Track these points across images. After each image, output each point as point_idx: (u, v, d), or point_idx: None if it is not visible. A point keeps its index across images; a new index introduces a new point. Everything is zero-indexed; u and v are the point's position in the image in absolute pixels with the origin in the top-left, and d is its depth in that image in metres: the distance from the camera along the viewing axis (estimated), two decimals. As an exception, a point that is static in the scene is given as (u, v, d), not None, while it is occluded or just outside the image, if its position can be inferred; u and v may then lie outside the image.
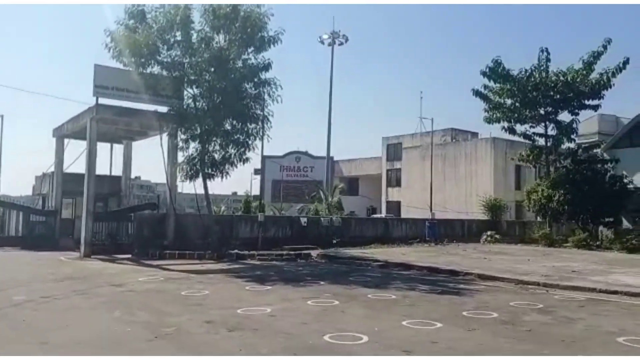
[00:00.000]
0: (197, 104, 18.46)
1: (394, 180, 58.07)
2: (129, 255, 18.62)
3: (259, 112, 18.64)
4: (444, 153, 51.58)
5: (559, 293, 10.93)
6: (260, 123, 18.63)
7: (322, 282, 12.19)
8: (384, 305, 9.33)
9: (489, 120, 26.41)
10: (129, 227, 20.66)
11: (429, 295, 10.45)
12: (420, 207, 46.51)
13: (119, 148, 25.85)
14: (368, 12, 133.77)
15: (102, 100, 18.63)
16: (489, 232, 27.20)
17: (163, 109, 19.44)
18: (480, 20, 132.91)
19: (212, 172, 18.51)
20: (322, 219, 24.88)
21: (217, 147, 18.97)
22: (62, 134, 23.38)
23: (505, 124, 25.63)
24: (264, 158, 42.58)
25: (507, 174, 47.83)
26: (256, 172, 62.31)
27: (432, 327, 7.43)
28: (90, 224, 18.50)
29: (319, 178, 61.47)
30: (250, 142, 18.86)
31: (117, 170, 25.95)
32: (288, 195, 59.52)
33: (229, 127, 18.72)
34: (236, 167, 18.83)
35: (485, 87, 25.83)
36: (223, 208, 31.72)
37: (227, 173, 18.66)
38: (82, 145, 23.52)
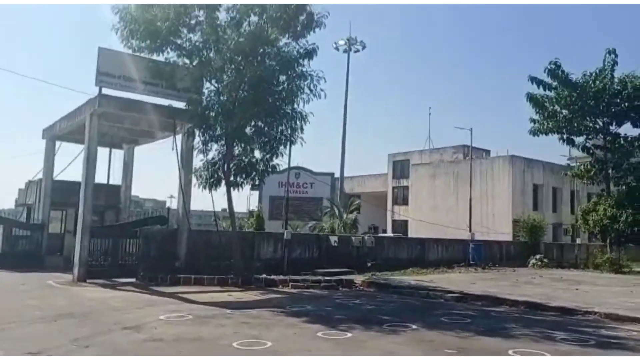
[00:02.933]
0: (222, 98, 15.21)
1: (401, 198, 55.28)
2: (133, 280, 15.21)
3: (289, 110, 15.39)
4: (456, 171, 48.96)
5: None
6: (291, 124, 15.36)
7: (412, 326, 8.90)
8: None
9: (536, 132, 23.39)
10: (128, 244, 17.16)
11: (593, 353, 7.23)
12: (430, 226, 43.58)
13: (117, 154, 22.48)
14: (377, 18, 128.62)
15: (106, 91, 15.30)
16: (537, 256, 24.13)
17: (178, 104, 16.23)
18: (495, 29, 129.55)
19: (240, 180, 15.21)
20: (353, 238, 21.61)
21: (240, 151, 15.79)
22: (53, 135, 19.93)
23: (563, 135, 22.61)
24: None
25: (526, 194, 45.21)
26: (253, 187, 58.96)
27: None
28: (86, 240, 15.02)
29: (319, 195, 58.22)
30: (279, 146, 15.66)
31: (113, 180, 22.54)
32: (287, 213, 56.21)
33: (253, 129, 15.55)
34: (268, 174, 15.58)
35: (531, 96, 22.79)
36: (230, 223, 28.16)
37: (262, 180, 15.43)
38: (76, 149, 20.14)
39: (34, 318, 8.93)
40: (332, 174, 58.97)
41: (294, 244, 19.43)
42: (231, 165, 15.40)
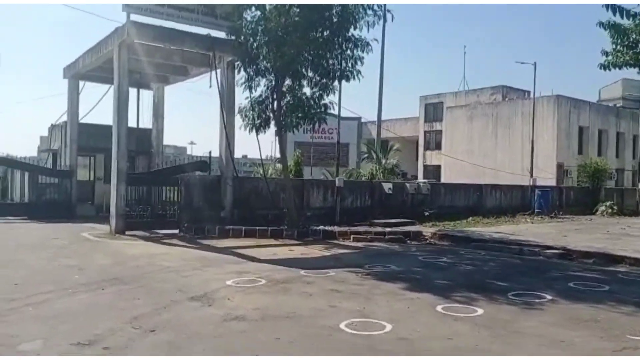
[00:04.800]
0: (270, 24, 12.90)
1: (433, 143, 52.85)
2: (176, 231, 13.66)
3: (350, 36, 13.06)
4: (495, 112, 46.16)
5: None
6: (352, 54, 13.08)
7: (545, 296, 7.04)
8: None
9: (609, 66, 20.50)
10: (167, 193, 15.49)
11: None
12: (465, 172, 41.38)
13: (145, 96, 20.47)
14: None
15: (135, 18, 13.10)
16: (607, 203, 22.00)
17: (217, 34, 14.06)
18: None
19: (295, 120, 13.21)
20: (407, 185, 19.66)
21: (289, 87, 13.72)
22: (76, 73, 17.93)
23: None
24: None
25: (571, 137, 42.42)
26: (277, 133, 56.71)
27: None
28: (122, 189, 13.32)
29: (345, 140, 55.76)
30: (334, 81, 13.50)
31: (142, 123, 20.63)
32: (313, 159, 54.31)
33: (306, 61, 13.31)
34: (325, 114, 13.53)
35: (612, 23, 19.80)
36: (271, 171, 26.45)
37: (321, 120, 13.40)
38: (101, 90, 18.26)
39: (76, 284, 7.27)
40: (359, 118, 56.40)
41: (345, 191, 17.60)
42: (282, 103, 13.36)
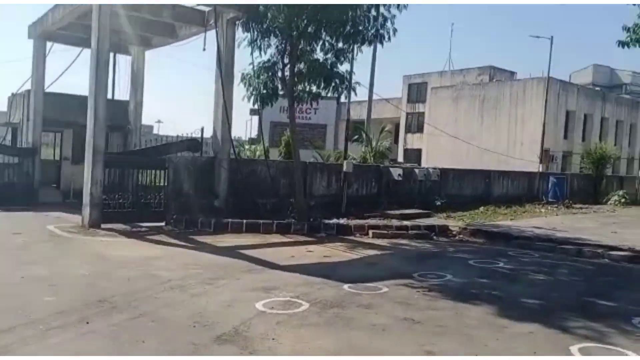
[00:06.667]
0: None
1: (415, 125, 51.24)
2: (162, 224, 11.48)
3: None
4: (482, 94, 44.73)
5: None
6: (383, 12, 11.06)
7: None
8: None
9: (628, 43, 19.05)
10: (147, 177, 13.12)
11: None
12: (448, 156, 40.03)
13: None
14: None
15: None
16: (620, 192, 20.78)
17: (216, -15, 11.75)
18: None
19: (316, 89, 11.12)
20: (416, 170, 17.86)
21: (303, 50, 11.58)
22: (44, 31, 15.20)
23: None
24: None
25: (558, 121, 41.46)
26: (252, 112, 53.97)
27: None
28: (99, 172, 10.98)
29: (322, 121, 53.87)
30: (356, 45, 11.46)
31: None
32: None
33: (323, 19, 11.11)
34: (350, 83, 11.49)
35: None
36: (258, 152, 24.19)
37: (353, 90, 11.37)
38: (71, 54, 15.72)
39: (48, 314, 5.11)
40: (337, 98, 54.35)
41: (351, 177, 15.66)
42: (295, 69, 11.24)
